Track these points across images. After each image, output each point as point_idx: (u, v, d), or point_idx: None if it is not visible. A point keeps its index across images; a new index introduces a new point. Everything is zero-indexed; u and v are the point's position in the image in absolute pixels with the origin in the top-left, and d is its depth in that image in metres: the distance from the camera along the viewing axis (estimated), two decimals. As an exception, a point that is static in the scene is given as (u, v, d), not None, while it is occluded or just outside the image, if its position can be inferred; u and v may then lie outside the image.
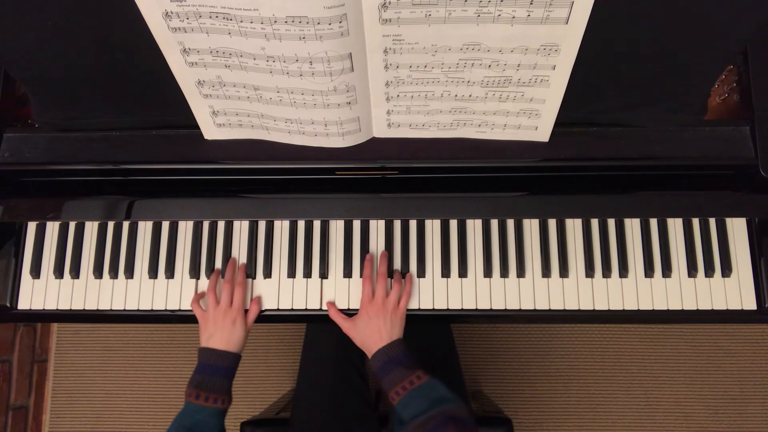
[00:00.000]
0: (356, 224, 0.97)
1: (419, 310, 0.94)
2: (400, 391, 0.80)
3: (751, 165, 0.81)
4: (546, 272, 0.94)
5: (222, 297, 0.91)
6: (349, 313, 0.94)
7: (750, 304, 0.92)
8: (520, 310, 0.93)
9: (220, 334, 0.88)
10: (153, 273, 0.97)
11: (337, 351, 1.12)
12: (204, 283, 0.96)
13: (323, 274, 0.96)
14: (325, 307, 0.94)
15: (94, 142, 0.85)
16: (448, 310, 0.94)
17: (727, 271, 0.92)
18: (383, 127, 0.82)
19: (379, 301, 0.88)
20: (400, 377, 0.81)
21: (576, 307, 0.93)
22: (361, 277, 0.95)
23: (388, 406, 1.52)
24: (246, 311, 0.93)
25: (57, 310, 0.97)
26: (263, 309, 0.95)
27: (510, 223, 0.96)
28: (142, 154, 0.84)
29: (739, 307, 0.92)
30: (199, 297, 0.94)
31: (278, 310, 0.95)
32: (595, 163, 0.83)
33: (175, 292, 0.97)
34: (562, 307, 0.93)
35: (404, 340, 0.88)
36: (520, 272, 0.94)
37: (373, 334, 0.86)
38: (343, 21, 0.63)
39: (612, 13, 0.66)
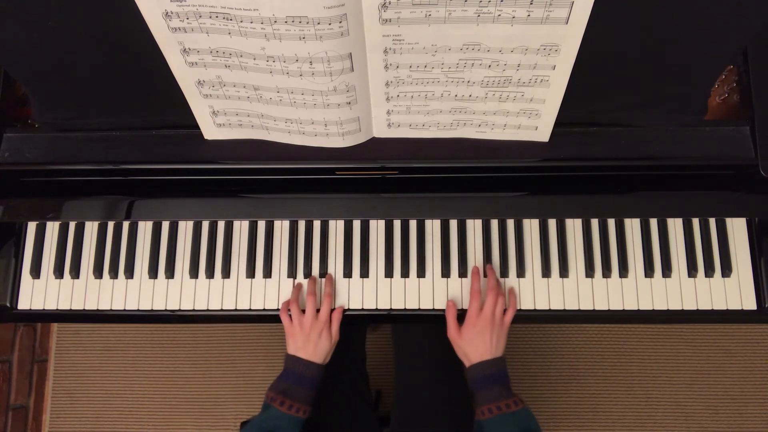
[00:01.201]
0: (356, 224, 0.97)
1: (419, 310, 0.94)
2: (494, 410, 0.80)
3: (751, 165, 0.81)
4: (546, 272, 0.94)
5: (307, 309, 0.91)
6: (351, 314, 0.94)
7: (750, 304, 0.92)
8: (520, 310, 0.93)
9: (306, 347, 0.88)
10: (153, 273, 0.97)
11: (337, 351, 1.12)
12: (203, 283, 0.97)
13: (324, 274, 0.96)
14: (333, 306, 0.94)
15: (94, 142, 0.85)
16: (448, 310, 0.94)
17: (727, 271, 0.92)
18: (383, 127, 0.82)
19: (488, 315, 0.87)
20: (498, 396, 0.82)
21: (576, 307, 0.93)
22: (360, 276, 0.95)
23: (388, 406, 1.52)
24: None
25: (57, 310, 0.97)
26: (347, 309, 0.95)
27: (510, 223, 0.96)
28: (142, 154, 0.84)
29: (739, 307, 0.92)
30: (287, 306, 0.93)
31: (278, 310, 0.95)
32: (595, 163, 0.83)
33: (174, 292, 0.97)
34: (562, 307, 0.93)
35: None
36: (520, 272, 0.94)
37: (479, 347, 0.86)
38: (343, 21, 0.63)
39: (612, 13, 0.66)
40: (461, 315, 0.92)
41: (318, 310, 0.91)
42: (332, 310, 0.93)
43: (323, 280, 0.95)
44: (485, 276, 0.94)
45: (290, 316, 0.92)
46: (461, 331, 0.89)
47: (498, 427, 0.80)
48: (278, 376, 0.88)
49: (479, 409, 0.83)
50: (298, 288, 0.94)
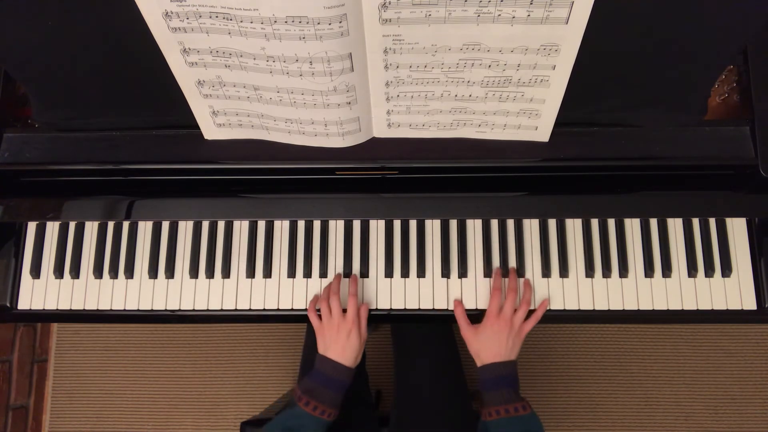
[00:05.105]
0: (356, 224, 0.97)
1: (419, 310, 0.94)
2: (502, 411, 0.80)
3: (751, 165, 0.81)
4: (546, 272, 0.94)
5: (333, 309, 0.89)
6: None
7: (750, 304, 0.92)
8: (520, 310, 0.93)
9: (335, 346, 0.87)
10: (153, 273, 0.97)
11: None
12: (203, 283, 0.97)
13: (323, 274, 0.96)
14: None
15: (94, 142, 0.85)
16: (448, 310, 0.94)
17: (727, 271, 0.92)
18: (383, 127, 0.82)
19: (507, 318, 0.87)
20: (506, 399, 0.82)
21: (576, 307, 0.93)
22: (361, 276, 0.95)
23: (387, 406, 1.52)
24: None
25: (57, 310, 0.97)
26: (374, 308, 0.95)
27: (510, 223, 0.96)
28: (143, 154, 0.84)
29: (739, 307, 0.92)
30: (314, 304, 0.93)
31: (278, 309, 0.95)
32: (595, 163, 0.83)
33: (174, 292, 0.97)
34: (562, 307, 0.93)
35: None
36: (520, 272, 0.94)
37: (493, 348, 0.85)
38: (343, 21, 0.63)
39: (612, 13, 0.66)
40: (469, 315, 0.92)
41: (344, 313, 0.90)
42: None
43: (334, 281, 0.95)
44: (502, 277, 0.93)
45: (320, 316, 0.91)
46: (478, 329, 0.88)
47: (504, 429, 0.80)
48: (307, 374, 0.87)
49: (486, 410, 0.82)
50: (328, 288, 0.93)
